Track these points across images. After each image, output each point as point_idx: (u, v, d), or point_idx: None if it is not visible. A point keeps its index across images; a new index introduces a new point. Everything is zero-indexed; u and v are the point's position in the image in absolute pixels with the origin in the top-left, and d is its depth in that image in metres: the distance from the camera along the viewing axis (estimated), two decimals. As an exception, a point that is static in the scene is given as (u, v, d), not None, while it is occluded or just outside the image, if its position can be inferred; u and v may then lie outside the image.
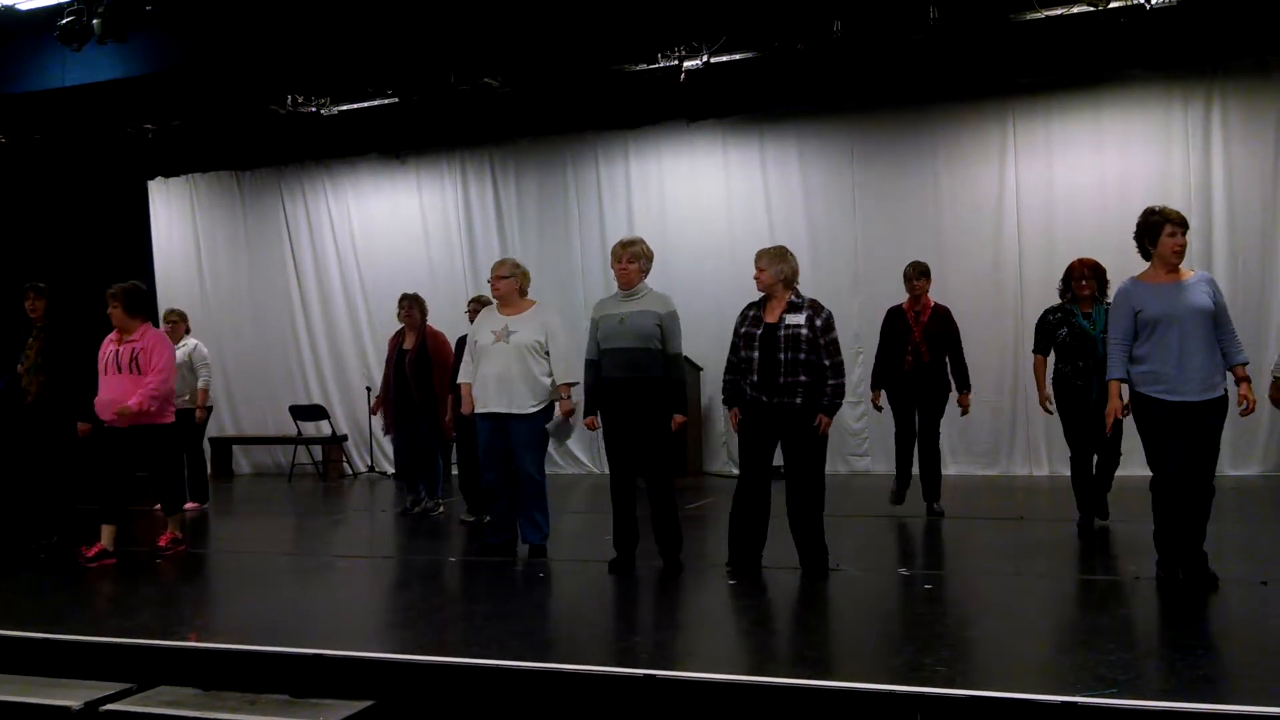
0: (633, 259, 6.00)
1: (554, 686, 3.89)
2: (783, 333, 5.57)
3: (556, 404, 6.40)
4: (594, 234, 11.61)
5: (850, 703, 3.57)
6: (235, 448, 13.02)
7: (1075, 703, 3.36)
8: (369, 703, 3.93)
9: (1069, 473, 7.01)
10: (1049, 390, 6.93)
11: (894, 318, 7.82)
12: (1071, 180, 10.07)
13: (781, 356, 5.55)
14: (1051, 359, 6.94)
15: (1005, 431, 10.30)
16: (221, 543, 8.18)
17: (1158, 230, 5.16)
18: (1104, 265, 6.80)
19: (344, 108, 10.81)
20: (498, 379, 6.34)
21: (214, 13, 9.30)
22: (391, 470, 11.89)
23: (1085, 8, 8.38)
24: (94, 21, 8.48)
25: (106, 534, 6.61)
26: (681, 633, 4.93)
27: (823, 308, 5.67)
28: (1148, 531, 5.26)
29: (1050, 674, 3.89)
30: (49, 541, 7.02)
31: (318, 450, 12.42)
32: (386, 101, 10.65)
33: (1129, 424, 5.37)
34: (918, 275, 7.74)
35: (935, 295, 7.93)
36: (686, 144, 11.35)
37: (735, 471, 10.82)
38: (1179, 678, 3.77)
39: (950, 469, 9.71)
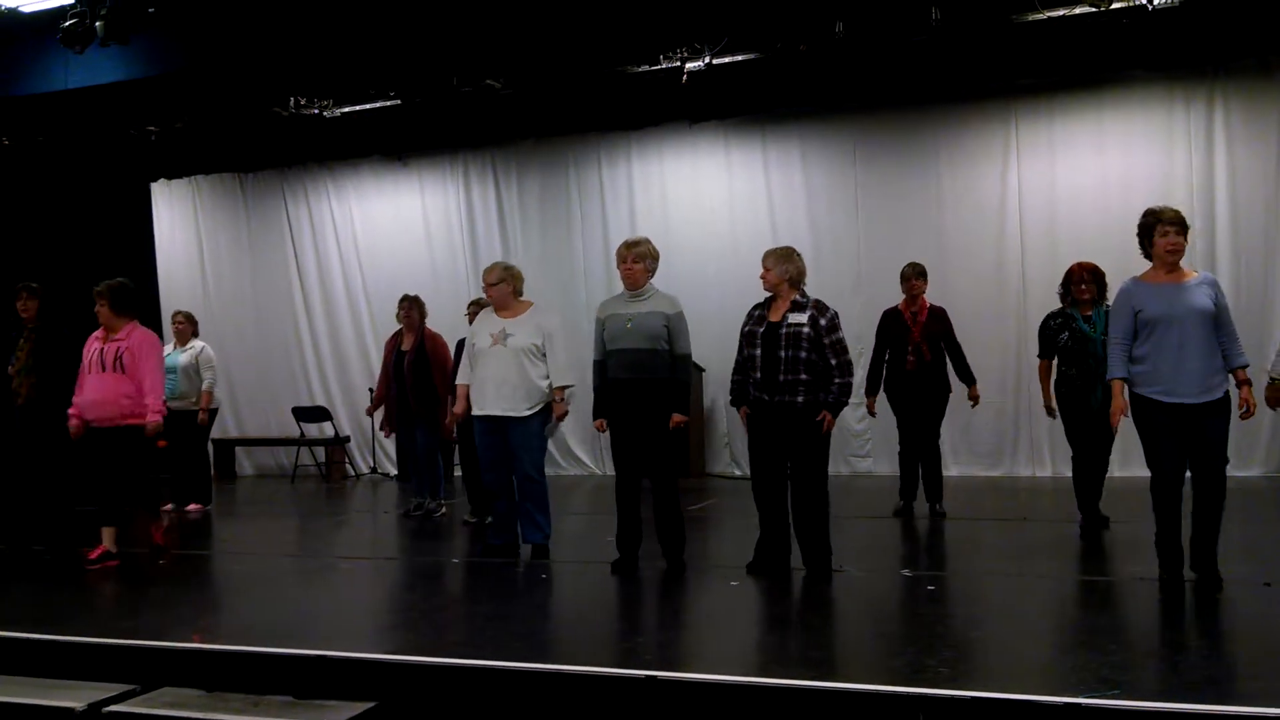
0: (638, 259, 5.99)
1: (556, 688, 3.89)
2: (785, 330, 5.57)
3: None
4: (596, 235, 11.62)
5: (852, 704, 3.56)
6: (238, 449, 13.03)
7: (1078, 704, 3.36)
8: (372, 704, 3.93)
9: (1071, 473, 7.02)
10: (1053, 394, 6.94)
11: (891, 320, 7.81)
12: (1074, 181, 10.08)
13: (782, 354, 5.55)
14: (1054, 361, 6.95)
15: (1008, 432, 10.30)
16: (224, 544, 8.18)
17: (1151, 230, 5.18)
18: (1105, 267, 6.81)
19: (346, 109, 10.82)
20: (495, 382, 6.34)
21: (216, 15, 9.32)
22: (394, 472, 11.91)
23: (1087, 8, 8.38)
24: (97, 24, 8.48)
25: (108, 536, 6.56)
26: (684, 634, 4.93)
27: (827, 307, 5.67)
28: (1149, 532, 5.25)
29: (1053, 675, 3.88)
30: (50, 543, 7.00)
31: (320, 452, 12.43)
32: (389, 103, 10.66)
33: (1121, 429, 5.36)
34: (916, 275, 7.74)
35: (938, 295, 7.93)
36: (689, 145, 11.36)
37: (737, 473, 10.96)
38: (1181, 679, 3.77)
39: (953, 470, 9.73)
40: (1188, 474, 5.12)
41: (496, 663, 4.05)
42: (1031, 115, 10.24)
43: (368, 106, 10.77)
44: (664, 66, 9.60)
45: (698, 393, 10.59)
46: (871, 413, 7.93)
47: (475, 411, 6.46)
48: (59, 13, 8.72)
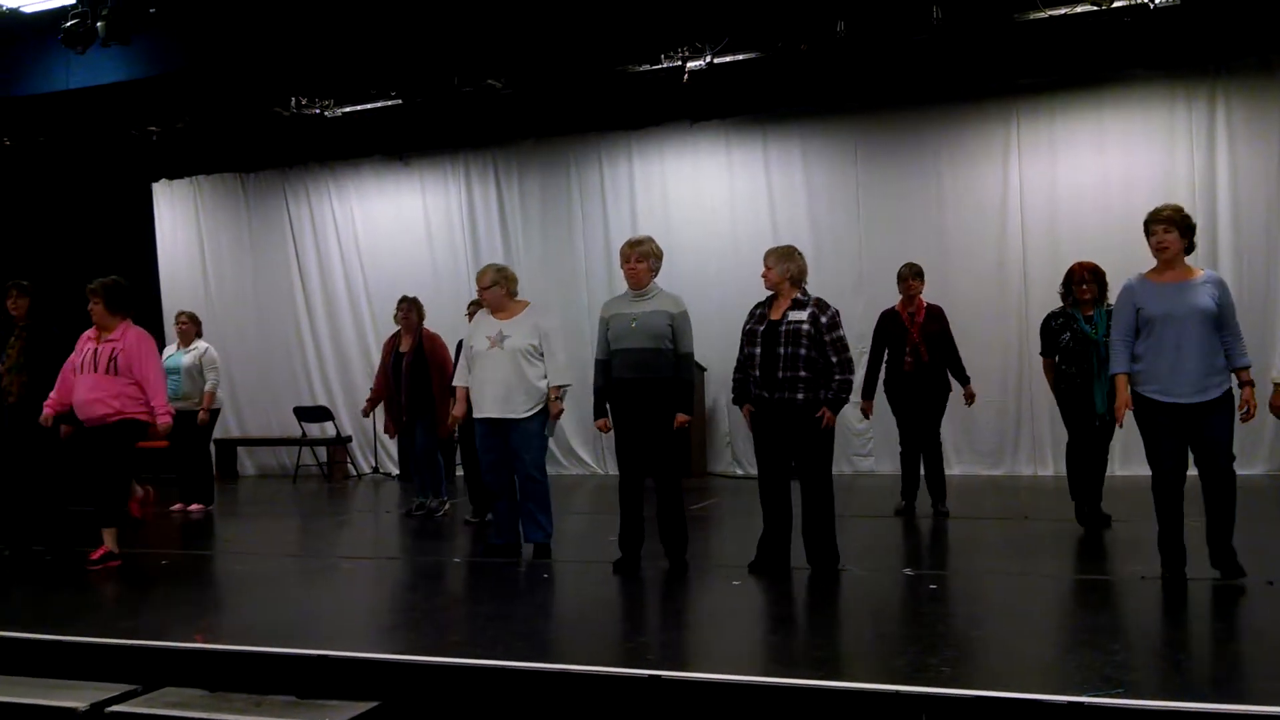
0: (641, 258, 5.98)
1: (558, 687, 3.89)
2: (784, 328, 5.58)
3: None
4: (597, 235, 11.62)
5: (855, 703, 3.56)
6: (240, 449, 13.04)
7: (1081, 703, 3.35)
8: (374, 703, 3.93)
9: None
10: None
11: (888, 321, 7.81)
12: (1075, 180, 10.07)
13: (781, 351, 5.55)
14: (1056, 359, 6.95)
15: (1010, 431, 10.30)
16: (226, 544, 8.18)
17: (1145, 229, 5.23)
18: (1106, 267, 6.80)
19: (347, 109, 10.83)
20: (494, 385, 6.34)
21: (217, 15, 9.34)
22: (396, 471, 11.92)
23: (1089, 7, 8.38)
24: (98, 24, 8.49)
25: (109, 536, 6.53)
26: (686, 633, 4.93)
27: (828, 306, 5.67)
28: (1151, 531, 5.26)
29: (1056, 674, 3.88)
30: (50, 544, 7.00)
31: (322, 451, 12.44)
32: (390, 103, 10.68)
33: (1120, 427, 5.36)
34: (913, 276, 7.73)
35: (939, 295, 7.93)
36: (690, 145, 11.36)
37: (739, 472, 10.96)
38: (1185, 678, 3.77)
39: (955, 469, 9.73)
40: (1192, 472, 5.13)
41: (499, 662, 4.04)
42: (1033, 114, 10.24)
43: (369, 106, 10.78)
44: (665, 66, 9.61)
45: (699, 392, 10.58)
46: (866, 415, 7.92)
47: (475, 414, 6.46)
48: (60, 13, 8.73)
